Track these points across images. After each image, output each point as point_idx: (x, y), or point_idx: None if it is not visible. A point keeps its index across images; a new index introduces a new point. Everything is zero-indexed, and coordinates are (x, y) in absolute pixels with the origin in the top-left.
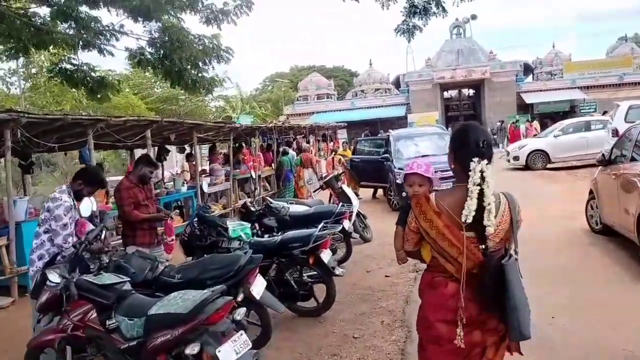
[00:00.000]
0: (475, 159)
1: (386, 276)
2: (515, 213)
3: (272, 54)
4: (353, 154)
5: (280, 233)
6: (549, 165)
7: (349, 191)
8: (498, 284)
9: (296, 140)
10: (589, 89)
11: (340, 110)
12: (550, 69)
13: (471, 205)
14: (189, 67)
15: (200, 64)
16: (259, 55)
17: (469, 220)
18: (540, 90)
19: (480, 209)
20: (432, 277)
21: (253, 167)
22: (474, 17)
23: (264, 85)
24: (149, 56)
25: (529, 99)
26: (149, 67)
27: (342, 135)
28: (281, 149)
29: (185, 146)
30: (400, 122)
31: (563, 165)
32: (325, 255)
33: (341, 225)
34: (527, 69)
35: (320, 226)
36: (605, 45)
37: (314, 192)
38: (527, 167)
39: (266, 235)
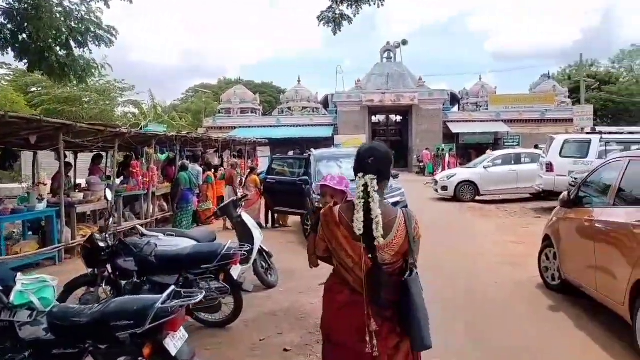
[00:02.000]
0: (360, 174)
1: (285, 350)
2: (412, 228)
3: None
4: (268, 174)
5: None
6: (477, 198)
7: (250, 222)
8: (400, 297)
9: (205, 154)
10: (513, 122)
11: (264, 127)
12: (476, 100)
13: (358, 217)
14: (54, 45)
15: (73, 43)
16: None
17: (360, 232)
18: (466, 121)
19: (369, 221)
20: (332, 282)
21: (144, 182)
22: (404, 42)
23: (187, 96)
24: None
25: (455, 128)
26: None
27: (264, 153)
28: (179, 164)
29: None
30: (327, 142)
31: (492, 198)
32: (235, 271)
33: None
34: (454, 99)
35: (169, 291)
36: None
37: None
38: (455, 198)
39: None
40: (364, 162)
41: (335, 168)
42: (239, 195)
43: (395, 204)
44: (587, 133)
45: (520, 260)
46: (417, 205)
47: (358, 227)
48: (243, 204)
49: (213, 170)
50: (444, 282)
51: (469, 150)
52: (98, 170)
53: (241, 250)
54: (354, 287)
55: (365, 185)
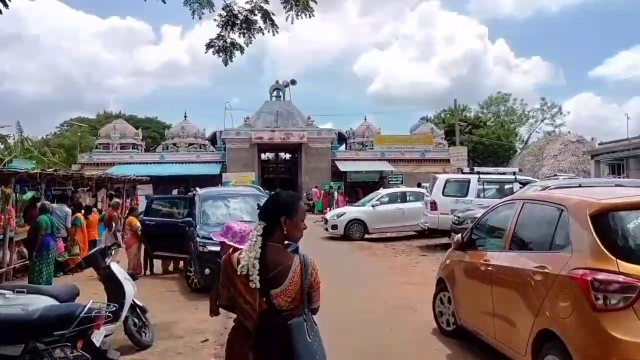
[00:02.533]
0: (259, 222)
1: None
2: (307, 275)
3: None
4: (146, 214)
5: None
6: (366, 236)
7: (120, 273)
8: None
9: (76, 193)
10: (396, 161)
11: (147, 163)
12: (362, 140)
13: (242, 260)
14: None
15: None
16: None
17: (244, 273)
18: (353, 160)
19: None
20: (233, 334)
21: None
22: (293, 82)
23: (61, 130)
24: None
25: (342, 166)
26: None
27: (146, 191)
28: (39, 205)
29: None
30: (215, 180)
31: (379, 236)
32: (97, 336)
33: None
34: (341, 138)
35: None
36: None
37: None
38: (345, 237)
39: None
40: (261, 208)
41: (222, 208)
42: (118, 240)
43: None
44: (466, 173)
45: (414, 304)
46: (307, 245)
47: (242, 268)
48: (113, 252)
49: (84, 211)
50: (337, 329)
51: (355, 188)
52: None
53: (105, 311)
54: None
55: (256, 231)
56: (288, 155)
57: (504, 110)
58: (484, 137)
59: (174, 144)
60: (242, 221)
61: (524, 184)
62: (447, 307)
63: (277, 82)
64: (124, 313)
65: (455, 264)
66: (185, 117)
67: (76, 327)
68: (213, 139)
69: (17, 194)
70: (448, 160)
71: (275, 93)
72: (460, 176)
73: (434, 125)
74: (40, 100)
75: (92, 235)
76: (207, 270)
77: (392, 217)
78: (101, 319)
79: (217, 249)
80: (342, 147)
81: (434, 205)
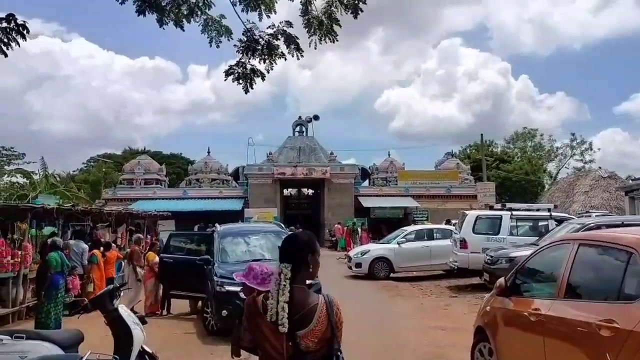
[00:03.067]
0: (280, 263)
1: None
2: (333, 315)
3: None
4: (165, 251)
5: None
6: (392, 275)
7: (129, 317)
8: None
9: (95, 229)
10: (421, 197)
11: (170, 199)
12: (386, 176)
13: (272, 304)
14: None
15: None
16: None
17: (273, 319)
18: (377, 195)
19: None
20: None
21: (14, 263)
22: (316, 117)
23: (87, 166)
24: None
25: (366, 202)
26: None
27: (168, 227)
28: (49, 241)
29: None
30: (237, 216)
31: (405, 275)
32: None
33: None
34: (365, 174)
35: None
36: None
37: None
38: (369, 276)
39: None
40: (282, 251)
41: (242, 245)
42: (139, 275)
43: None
44: (497, 209)
45: (447, 353)
46: (330, 284)
47: (271, 314)
48: (122, 293)
49: (102, 248)
50: None
51: (380, 224)
52: None
53: None
54: None
55: (280, 274)
56: (311, 191)
57: (531, 146)
58: (512, 173)
59: (197, 180)
60: (263, 259)
61: (559, 221)
62: None
63: (299, 117)
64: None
65: (497, 311)
66: (208, 152)
67: None
68: (236, 175)
69: (37, 230)
70: (475, 196)
71: (298, 129)
72: (491, 213)
73: (459, 160)
74: (68, 138)
75: (109, 273)
76: (224, 312)
77: (419, 255)
78: None
79: (236, 289)
80: (366, 183)
81: (463, 244)
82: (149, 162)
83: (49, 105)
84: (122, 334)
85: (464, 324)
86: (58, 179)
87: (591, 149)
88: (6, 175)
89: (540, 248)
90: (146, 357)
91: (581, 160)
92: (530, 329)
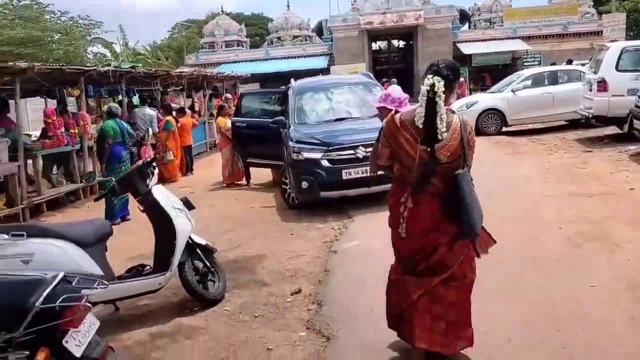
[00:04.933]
0: (430, 75)
1: None
2: (466, 132)
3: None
4: (236, 115)
5: None
6: (504, 129)
7: (167, 201)
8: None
9: (166, 95)
10: (531, 39)
11: (252, 61)
12: (490, 17)
13: (420, 112)
14: None
15: None
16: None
17: (420, 124)
18: (479, 40)
19: (432, 121)
20: (396, 185)
21: (72, 135)
22: None
23: (173, 33)
24: None
25: (466, 49)
26: None
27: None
28: (105, 108)
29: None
30: (323, 74)
31: (520, 128)
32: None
33: None
34: (464, 16)
35: None
36: None
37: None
38: (477, 131)
39: None
40: (434, 67)
41: (323, 102)
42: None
43: None
44: None
45: (608, 232)
46: None
47: (419, 120)
48: (156, 170)
49: (175, 113)
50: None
51: (482, 74)
52: (6, 122)
53: (93, 288)
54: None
55: (432, 86)
56: (402, 43)
57: None
58: None
59: (279, 38)
60: (349, 118)
61: None
62: None
63: None
64: (176, 259)
65: None
66: (288, 7)
67: (32, 326)
68: (319, 30)
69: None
70: (597, 33)
71: None
72: None
73: None
74: (156, 9)
75: (185, 141)
76: (304, 184)
77: (539, 103)
78: (78, 311)
79: (317, 156)
80: (465, 27)
81: (602, 85)
82: (228, 22)
83: None
84: (161, 224)
85: (617, 188)
86: (147, 48)
87: None
88: (90, 46)
89: None
90: (198, 250)
91: None
92: None
